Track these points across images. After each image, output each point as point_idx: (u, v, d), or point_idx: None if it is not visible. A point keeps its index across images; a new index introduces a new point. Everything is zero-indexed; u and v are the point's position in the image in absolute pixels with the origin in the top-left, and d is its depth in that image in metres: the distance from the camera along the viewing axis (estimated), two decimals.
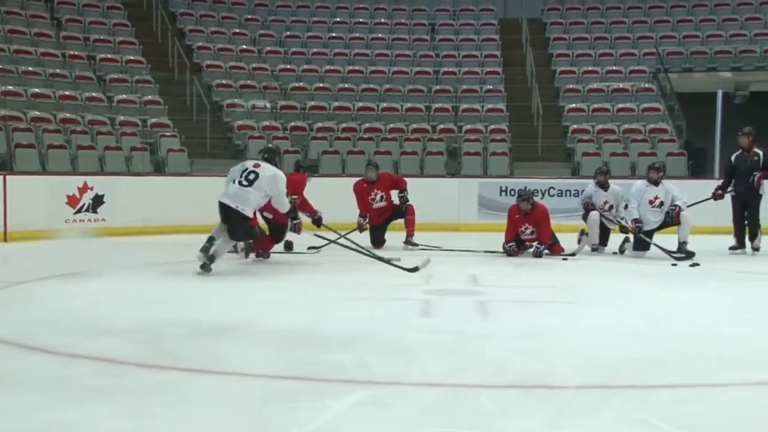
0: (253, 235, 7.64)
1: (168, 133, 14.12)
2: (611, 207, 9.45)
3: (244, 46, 17.41)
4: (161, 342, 4.48)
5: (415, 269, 7.04)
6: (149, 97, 15.06)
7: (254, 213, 7.43)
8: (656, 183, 9.03)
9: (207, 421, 3.16)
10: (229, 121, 15.19)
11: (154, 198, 11.54)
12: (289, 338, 4.56)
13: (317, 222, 8.91)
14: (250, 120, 15.12)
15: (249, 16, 18.60)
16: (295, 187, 8.44)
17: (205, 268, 7.03)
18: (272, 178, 7.23)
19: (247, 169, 7.28)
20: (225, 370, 3.90)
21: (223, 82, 16.08)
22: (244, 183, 7.15)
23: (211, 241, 7.10)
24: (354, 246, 8.21)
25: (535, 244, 8.88)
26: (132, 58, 16.00)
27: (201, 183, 11.95)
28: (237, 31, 17.90)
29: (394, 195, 9.86)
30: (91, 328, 4.79)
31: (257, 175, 7.18)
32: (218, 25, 17.96)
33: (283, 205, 7.41)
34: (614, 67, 17.16)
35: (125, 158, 13.07)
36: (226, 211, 7.16)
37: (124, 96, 14.86)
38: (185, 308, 5.56)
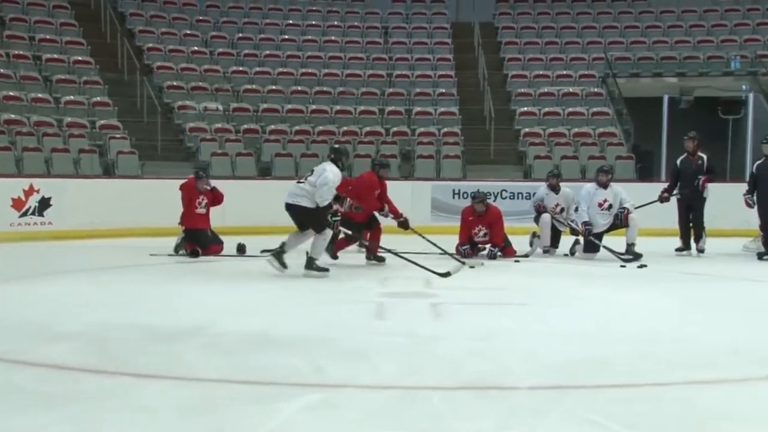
0: (328, 224, 7.46)
1: (118, 135, 13.89)
2: (562, 209, 9.60)
3: (196, 48, 17.22)
4: (110, 347, 4.40)
5: (447, 274, 7.30)
6: (98, 98, 14.79)
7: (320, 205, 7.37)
8: (605, 186, 9.20)
9: (157, 426, 3.11)
10: (181, 123, 15.00)
11: (103, 201, 11.35)
12: (241, 342, 4.53)
13: (403, 225, 8.85)
14: (202, 122, 14.96)
15: (200, 18, 18.40)
16: (363, 187, 8.55)
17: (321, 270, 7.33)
18: (320, 171, 7.39)
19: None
20: (176, 374, 3.85)
21: (174, 83, 15.88)
22: (302, 181, 7.48)
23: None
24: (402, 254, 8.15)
25: (488, 246, 8.97)
26: (80, 58, 15.69)
27: (152, 185, 11.83)
28: (188, 32, 17.69)
29: None
30: (36, 334, 4.68)
31: (312, 172, 7.46)
32: (169, 26, 17.73)
33: (321, 197, 7.27)
34: (564, 72, 17.43)
35: (73, 160, 12.82)
36: (289, 210, 7.46)
37: (72, 97, 14.57)
38: (134, 312, 5.47)
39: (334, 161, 7.51)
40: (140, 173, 13.11)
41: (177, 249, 9.06)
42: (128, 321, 5.09)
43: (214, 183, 9.44)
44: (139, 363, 4.07)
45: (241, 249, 9.12)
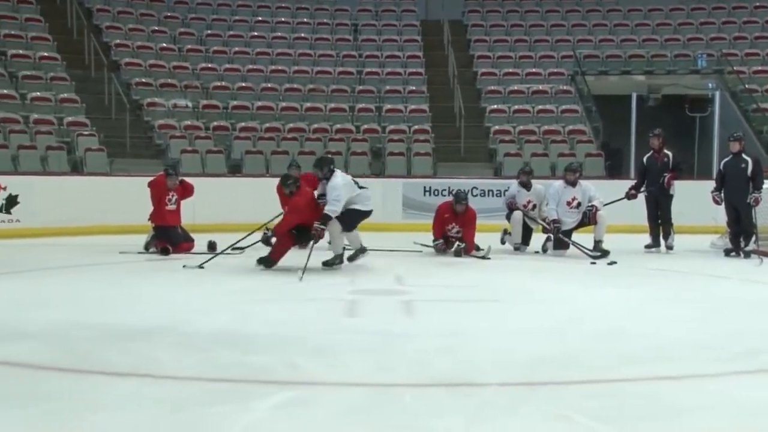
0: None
1: (86, 132, 13.72)
2: (534, 206, 9.66)
3: (164, 44, 17.06)
4: (79, 345, 4.36)
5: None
6: (65, 95, 14.59)
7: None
8: (573, 184, 9.28)
9: (127, 426, 3.09)
10: (150, 120, 14.85)
11: (71, 198, 11.20)
12: (211, 340, 4.50)
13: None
14: (171, 119, 14.83)
15: (168, 14, 18.23)
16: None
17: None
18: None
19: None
20: (147, 373, 3.83)
21: (143, 80, 15.71)
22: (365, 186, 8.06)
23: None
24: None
25: (456, 243, 9.00)
26: (46, 54, 15.46)
27: (121, 183, 11.70)
28: (156, 28, 17.51)
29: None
30: (2, 332, 4.62)
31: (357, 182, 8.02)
32: (136, 23, 17.54)
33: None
34: (534, 69, 17.54)
35: (41, 157, 12.64)
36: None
37: (38, 93, 14.35)
38: (104, 311, 5.42)
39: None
40: (109, 170, 12.96)
41: (147, 246, 8.98)
42: (98, 319, 5.04)
43: (181, 177, 9.38)
44: (109, 361, 4.03)
45: (212, 246, 9.05)
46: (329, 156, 9.50)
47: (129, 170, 12.71)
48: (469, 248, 8.93)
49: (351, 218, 7.77)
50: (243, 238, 8.73)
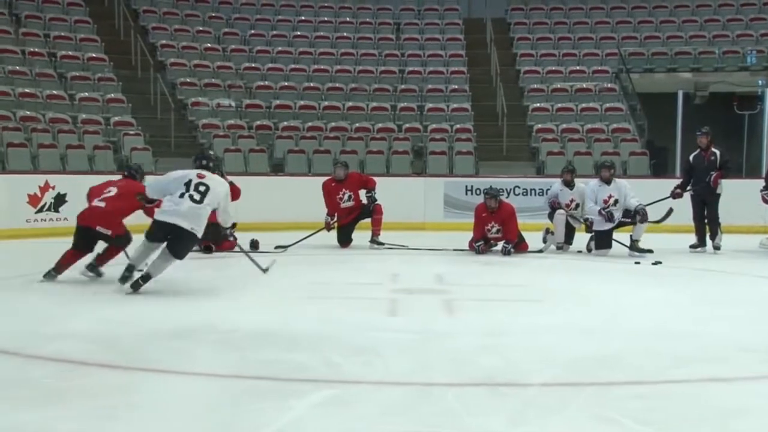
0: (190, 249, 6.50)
1: (132, 132, 13.94)
2: (577, 206, 9.55)
3: (209, 45, 17.26)
4: (121, 343, 4.42)
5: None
6: (112, 95, 14.85)
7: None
8: (608, 182, 9.16)
9: (169, 422, 3.13)
10: (194, 120, 15.04)
11: None
12: (252, 338, 4.54)
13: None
14: (214, 119, 15.00)
15: (213, 14, 18.43)
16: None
17: (136, 287, 6.01)
18: (222, 193, 6.36)
19: (191, 180, 6.23)
20: (187, 370, 3.87)
21: (188, 80, 15.92)
22: (196, 198, 6.12)
23: (131, 270, 6.15)
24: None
25: (502, 242, 8.95)
26: (94, 55, 15.76)
27: None
28: (201, 29, 17.72)
29: (362, 194, 9.85)
30: (50, 329, 4.71)
31: (207, 188, 6.21)
32: (182, 23, 17.78)
33: (226, 219, 6.62)
34: (577, 67, 17.33)
35: (88, 157, 12.88)
36: (173, 230, 6.09)
37: (86, 94, 14.64)
38: (145, 308, 5.49)
39: (214, 169, 6.69)
40: (154, 169, 13.14)
41: None
42: (139, 316, 5.12)
43: (230, 179, 9.45)
44: (150, 359, 4.08)
45: (254, 245, 9.13)
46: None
47: (173, 169, 12.85)
48: (517, 245, 8.88)
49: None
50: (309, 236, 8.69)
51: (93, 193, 7.05)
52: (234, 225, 6.99)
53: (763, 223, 10.48)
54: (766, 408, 3.35)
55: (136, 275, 6.10)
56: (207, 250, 8.84)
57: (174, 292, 6.26)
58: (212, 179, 6.34)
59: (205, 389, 3.56)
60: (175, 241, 6.12)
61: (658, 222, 9.25)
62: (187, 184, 6.17)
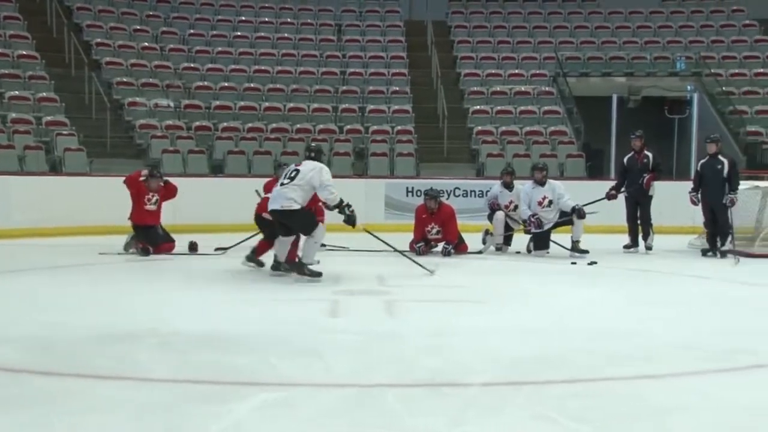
0: (315, 224, 6.99)
1: (65, 132, 13.59)
2: (516, 207, 9.68)
3: (146, 44, 16.95)
4: (59, 348, 4.31)
5: (432, 271, 7.25)
6: (44, 93, 14.45)
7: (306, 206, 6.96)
8: (542, 183, 9.33)
9: (106, 428, 3.06)
10: (131, 120, 14.75)
11: (50, 198, 11.09)
12: (193, 342, 4.48)
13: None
14: (152, 119, 14.74)
15: (150, 13, 18.12)
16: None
17: (314, 274, 6.89)
18: (314, 170, 6.90)
19: (290, 169, 7.03)
20: (128, 375, 3.80)
21: (124, 79, 15.60)
22: (285, 182, 6.89)
23: (278, 265, 7.12)
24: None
25: (442, 243, 9.03)
26: (24, 53, 15.31)
27: (101, 183, 11.59)
28: (138, 27, 17.40)
29: None
30: None
31: (298, 172, 6.90)
32: (118, 21, 17.42)
33: (331, 198, 6.91)
34: (516, 71, 17.61)
35: (18, 157, 12.51)
36: (277, 216, 6.92)
37: (17, 92, 14.22)
38: (83, 313, 5.37)
39: (315, 159, 7.13)
40: (89, 170, 12.86)
41: (127, 247, 8.91)
42: (77, 322, 5.00)
43: (166, 179, 9.32)
44: (89, 364, 3.99)
45: (192, 247, 9.01)
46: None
47: (109, 170, 12.61)
48: (456, 246, 8.98)
49: None
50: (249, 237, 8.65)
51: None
52: (342, 202, 7.05)
53: (692, 224, 10.81)
54: (701, 405, 3.45)
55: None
56: (144, 252, 8.68)
57: (114, 297, 6.14)
58: (305, 164, 6.99)
59: (143, 394, 3.50)
60: (286, 224, 6.91)
61: (590, 204, 9.45)
62: (286, 176, 6.97)
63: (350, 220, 7.14)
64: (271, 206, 6.93)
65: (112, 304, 5.81)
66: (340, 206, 7.01)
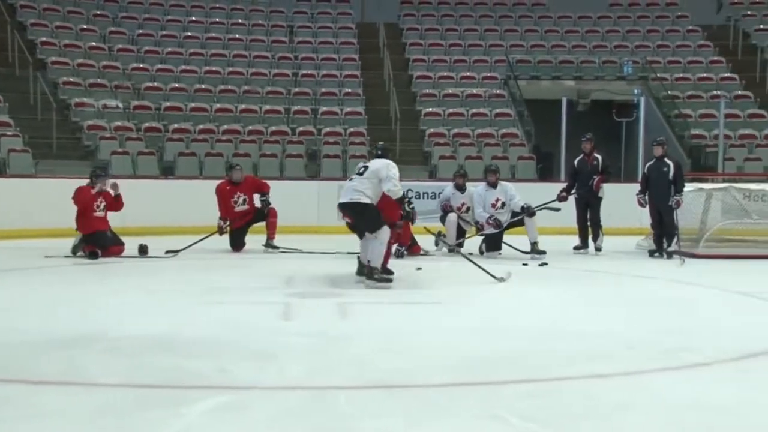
0: (382, 224, 6.83)
1: (9, 132, 13.27)
2: (468, 209, 9.76)
3: (93, 43, 16.64)
4: (2, 354, 4.20)
5: (501, 279, 7.12)
6: None
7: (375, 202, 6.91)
8: (494, 185, 9.45)
9: None
10: (78, 121, 14.47)
11: None
12: (142, 345, 4.40)
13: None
14: (100, 120, 14.47)
15: (97, 12, 17.80)
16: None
17: (383, 281, 6.73)
18: (382, 164, 6.97)
19: (360, 166, 7.17)
20: (74, 381, 3.71)
21: (71, 79, 15.29)
22: (355, 177, 7.01)
23: (363, 269, 7.02)
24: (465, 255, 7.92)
25: (395, 245, 9.03)
26: None
27: (47, 185, 11.37)
28: (85, 27, 17.08)
29: (256, 198, 9.77)
30: None
31: (367, 168, 7.00)
32: (64, 20, 17.07)
33: (394, 190, 6.86)
34: (468, 73, 17.76)
35: None
36: (346, 209, 6.97)
37: None
38: (29, 317, 5.25)
39: (383, 157, 7.25)
40: (34, 172, 12.57)
41: (75, 250, 8.73)
42: (23, 326, 4.88)
43: (115, 181, 9.15)
44: (35, 370, 3.89)
45: (143, 250, 8.87)
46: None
47: (56, 172, 12.36)
48: (411, 247, 9.02)
49: None
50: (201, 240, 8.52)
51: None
52: (405, 196, 7.22)
53: (640, 225, 11.02)
54: (649, 402, 3.51)
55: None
56: (93, 255, 8.52)
57: (61, 300, 6.01)
58: (374, 162, 7.10)
59: (91, 400, 3.42)
60: (355, 218, 6.98)
61: (543, 206, 9.57)
62: (355, 172, 7.06)
63: (408, 216, 7.43)
64: (341, 199, 7.00)
65: (58, 308, 5.69)
66: (403, 200, 7.13)
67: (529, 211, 9.19)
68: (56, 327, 4.88)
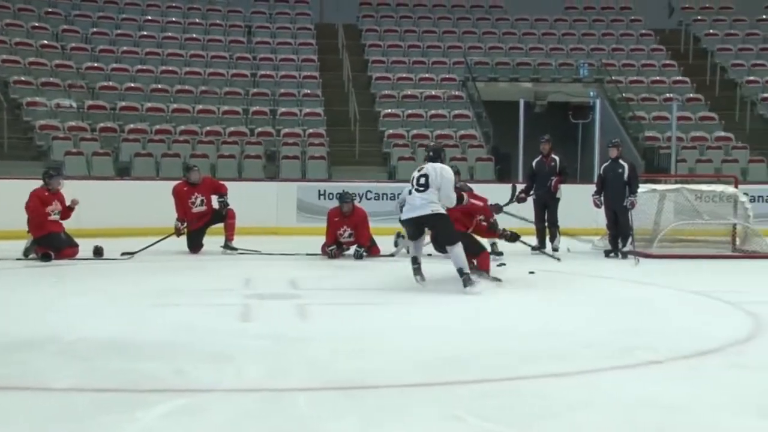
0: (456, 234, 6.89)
1: None
2: None
3: (45, 42, 16.32)
4: None
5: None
6: None
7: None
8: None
9: None
10: (30, 121, 14.17)
11: None
12: (97, 348, 4.34)
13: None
14: (54, 120, 14.20)
15: (49, 10, 17.44)
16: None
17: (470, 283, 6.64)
18: (436, 173, 6.81)
19: (415, 177, 6.93)
20: (28, 385, 3.65)
21: (22, 78, 14.97)
22: (420, 189, 6.82)
23: (417, 263, 6.99)
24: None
25: (354, 246, 9.05)
26: None
27: None
28: (36, 24, 16.74)
29: (214, 199, 9.68)
30: None
31: (427, 177, 6.82)
32: (14, 18, 16.71)
33: (450, 199, 6.87)
34: (427, 75, 17.83)
35: None
36: (419, 223, 6.91)
37: None
38: None
39: (434, 159, 7.07)
40: None
41: (27, 253, 8.55)
42: None
43: (67, 182, 8.97)
44: None
45: (98, 252, 8.72)
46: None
47: (7, 173, 12.09)
48: (369, 249, 9.02)
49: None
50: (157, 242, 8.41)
51: None
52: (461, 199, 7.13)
53: (596, 226, 11.18)
54: (605, 400, 3.57)
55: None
56: (45, 258, 8.35)
57: (12, 303, 5.89)
58: (428, 168, 6.92)
59: (45, 404, 3.36)
60: (434, 229, 7.09)
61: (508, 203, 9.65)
62: (412, 182, 6.96)
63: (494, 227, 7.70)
64: (417, 213, 6.82)
65: (11, 311, 5.58)
66: (461, 201, 7.11)
67: (495, 208, 9.22)
68: (9, 330, 4.78)
